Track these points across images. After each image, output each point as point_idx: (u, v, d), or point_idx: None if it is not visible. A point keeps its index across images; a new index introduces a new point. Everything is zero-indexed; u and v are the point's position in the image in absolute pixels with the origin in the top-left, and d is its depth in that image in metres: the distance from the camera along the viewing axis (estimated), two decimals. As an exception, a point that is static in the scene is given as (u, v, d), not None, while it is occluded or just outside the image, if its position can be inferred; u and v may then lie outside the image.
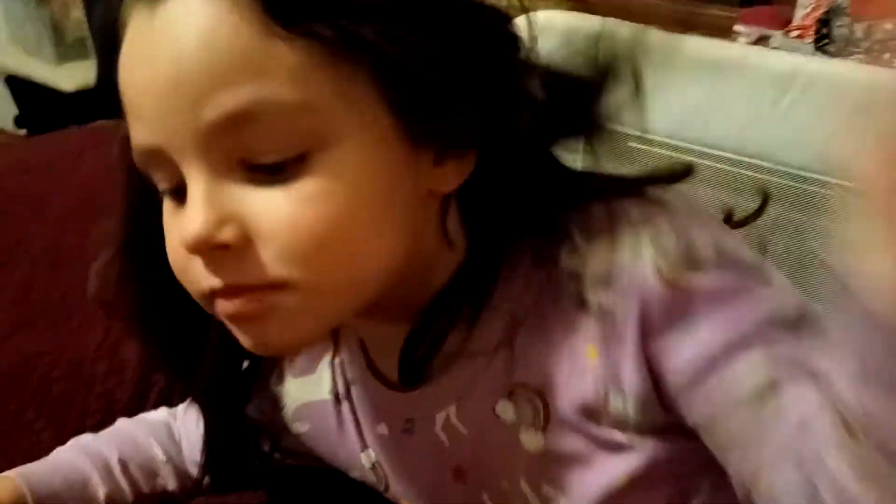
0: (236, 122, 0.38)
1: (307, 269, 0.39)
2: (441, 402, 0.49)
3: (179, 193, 0.41)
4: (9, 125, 2.24)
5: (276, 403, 0.60)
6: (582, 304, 0.44)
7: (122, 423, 0.66)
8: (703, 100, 0.99)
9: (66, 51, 2.09)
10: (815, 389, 0.36)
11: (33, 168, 1.00)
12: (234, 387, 0.54)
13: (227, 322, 0.42)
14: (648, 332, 0.43)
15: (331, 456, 0.59)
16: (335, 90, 0.38)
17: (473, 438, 0.50)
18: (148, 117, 0.40)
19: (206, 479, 0.63)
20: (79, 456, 0.61)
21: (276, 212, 0.39)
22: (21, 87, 2.16)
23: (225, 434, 0.58)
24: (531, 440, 0.47)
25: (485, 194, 0.43)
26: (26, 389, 0.70)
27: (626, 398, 0.44)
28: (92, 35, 1.92)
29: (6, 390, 0.70)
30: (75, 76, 2.03)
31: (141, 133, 0.40)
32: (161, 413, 0.68)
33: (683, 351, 0.42)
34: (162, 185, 0.42)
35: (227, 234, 0.39)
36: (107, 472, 0.60)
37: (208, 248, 0.39)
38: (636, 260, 0.42)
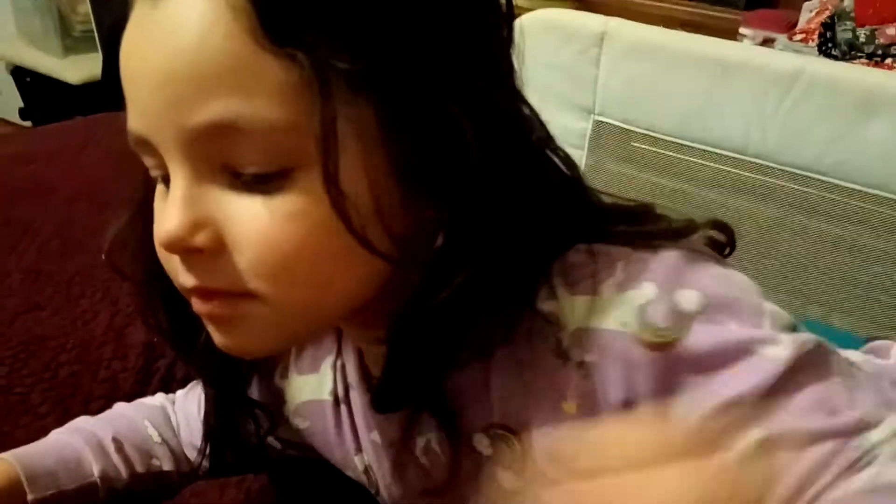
0: (220, 131, 0.38)
1: (275, 285, 0.40)
2: (421, 428, 0.49)
3: (169, 181, 0.41)
4: (14, 117, 2.25)
5: (279, 397, 0.60)
6: (560, 354, 0.43)
7: (118, 407, 0.67)
8: (707, 98, 1.00)
9: (72, 43, 2.10)
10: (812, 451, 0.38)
11: (40, 157, 1.01)
12: (235, 362, 0.54)
13: (201, 318, 0.43)
14: (636, 399, 0.41)
15: (328, 453, 0.60)
16: (322, 112, 0.38)
17: (452, 466, 0.50)
18: (139, 107, 0.40)
19: (205, 464, 0.64)
20: (72, 436, 0.62)
21: (252, 223, 0.39)
22: (27, 79, 2.17)
23: (225, 409, 0.58)
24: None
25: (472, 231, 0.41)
26: (34, 372, 0.71)
27: None
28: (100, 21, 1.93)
29: (13, 373, 0.70)
30: (81, 69, 2.04)
31: (133, 120, 0.41)
32: (157, 398, 0.69)
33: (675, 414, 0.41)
34: (153, 172, 0.43)
35: (201, 240, 0.39)
36: (100, 450, 0.61)
37: (182, 250, 0.40)
38: (616, 324, 0.41)
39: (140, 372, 0.74)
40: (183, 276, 0.41)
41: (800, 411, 0.39)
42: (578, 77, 1.06)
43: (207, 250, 0.40)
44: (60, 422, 0.65)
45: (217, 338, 0.43)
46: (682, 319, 0.40)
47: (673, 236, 0.44)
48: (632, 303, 0.41)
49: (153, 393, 0.71)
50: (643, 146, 1.09)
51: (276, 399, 0.60)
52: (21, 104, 2.22)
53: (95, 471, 0.60)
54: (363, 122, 0.39)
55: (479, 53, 0.42)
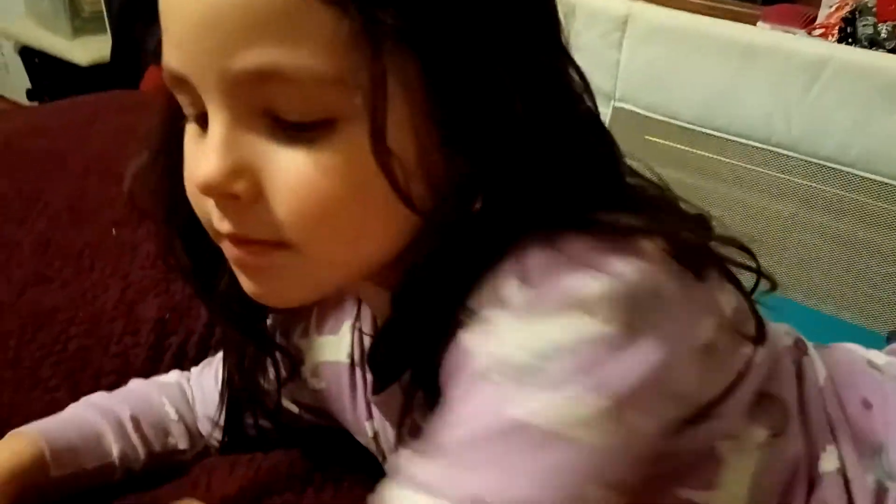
0: (265, 78, 0.37)
1: (312, 237, 0.39)
2: (411, 407, 0.48)
3: (204, 120, 0.40)
4: (21, 97, 2.24)
5: (297, 356, 0.59)
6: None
7: (134, 384, 0.66)
8: (731, 85, 0.98)
9: (81, 24, 2.09)
10: None
11: (51, 130, 0.99)
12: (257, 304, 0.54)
13: (231, 264, 0.43)
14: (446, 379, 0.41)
15: (341, 417, 0.59)
16: (372, 68, 0.37)
17: None
18: (179, 46, 0.39)
19: (217, 436, 0.63)
20: (93, 412, 0.60)
21: (293, 175, 0.38)
22: (35, 60, 2.15)
23: (245, 359, 0.57)
24: None
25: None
26: (43, 345, 0.69)
27: None
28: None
29: (22, 346, 0.69)
30: (90, 50, 2.02)
31: (171, 58, 0.40)
32: (173, 375, 0.67)
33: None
34: (187, 110, 0.42)
35: (239, 187, 0.39)
36: (120, 428, 0.60)
37: (218, 195, 0.39)
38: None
39: (151, 349, 0.72)
40: (217, 222, 0.41)
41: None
42: (600, 61, 1.04)
43: (245, 197, 0.39)
44: (71, 396, 0.64)
45: (247, 285, 0.43)
46: (492, 312, 0.39)
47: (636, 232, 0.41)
48: (483, 288, 0.40)
49: (165, 371, 0.69)
50: (659, 140, 1.08)
51: (296, 358, 0.59)
52: (29, 85, 2.21)
53: (115, 451, 0.59)
54: (409, 79, 0.38)
55: (525, 14, 0.40)
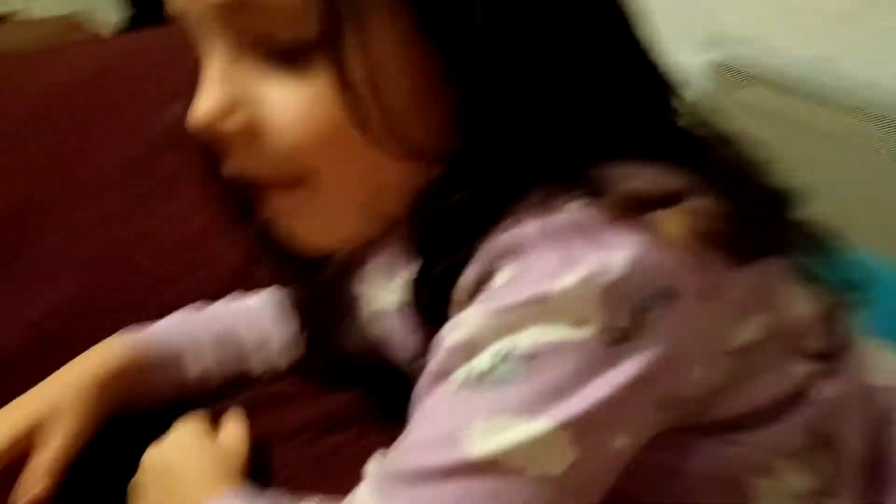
0: (242, 6, 0.37)
1: (318, 167, 0.40)
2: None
3: None
4: (118, 25, 2.29)
5: (355, 303, 0.59)
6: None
7: (220, 305, 0.67)
8: (839, 38, 0.93)
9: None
10: None
11: (147, 55, 1.01)
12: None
13: (266, 219, 0.44)
14: None
15: (398, 365, 0.59)
16: None
17: None
18: None
19: (292, 355, 0.64)
20: (176, 331, 0.62)
21: (286, 105, 0.38)
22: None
23: (303, 304, 0.59)
24: None
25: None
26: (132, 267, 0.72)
27: None
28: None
29: (111, 271, 0.71)
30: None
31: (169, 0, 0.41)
32: (258, 299, 0.68)
33: None
34: (199, 49, 0.42)
35: (233, 123, 0.39)
36: (201, 350, 0.61)
37: (214, 133, 0.40)
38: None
39: (235, 273, 0.73)
40: (227, 166, 0.42)
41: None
42: (698, 6, 1.00)
43: (243, 133, 0.39)
44: (158, 317, 0.65)
45: (281, 234, 0.44)
46: (475, 300, 0.38)
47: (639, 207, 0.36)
48: (479, 258, 0.39)
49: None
50: (759, 95, 1.03)
51: (353, 305, 0.60)
52: (128, 13, 2.25)
53: (194, 372, 0.60)
54: (394, 5, 0.37)
55: None
